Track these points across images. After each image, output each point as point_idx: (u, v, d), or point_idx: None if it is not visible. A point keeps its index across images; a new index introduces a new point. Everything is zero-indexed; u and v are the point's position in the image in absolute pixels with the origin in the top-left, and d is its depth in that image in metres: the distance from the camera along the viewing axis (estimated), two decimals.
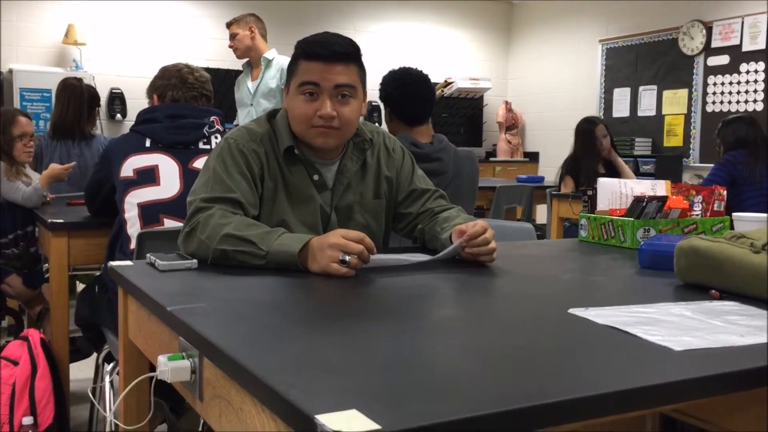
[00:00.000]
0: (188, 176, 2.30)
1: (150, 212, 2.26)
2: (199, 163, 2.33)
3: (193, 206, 1.66)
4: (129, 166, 2.31)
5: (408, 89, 2.64)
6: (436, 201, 1.93)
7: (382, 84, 2.72)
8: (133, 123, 2.47)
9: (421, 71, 2.73)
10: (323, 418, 0.72)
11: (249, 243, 1.55)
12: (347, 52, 1.74)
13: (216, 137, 2.43)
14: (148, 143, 2.35)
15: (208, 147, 2.39)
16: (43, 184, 2.98)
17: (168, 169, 2.32)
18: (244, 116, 4.44)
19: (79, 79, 3.81)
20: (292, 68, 1.77)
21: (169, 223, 2.25)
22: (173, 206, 2.27)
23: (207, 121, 2.43)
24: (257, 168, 1.74)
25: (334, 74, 1.71)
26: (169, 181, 2.31)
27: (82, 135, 3.68)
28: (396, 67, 2.76)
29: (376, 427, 0.71)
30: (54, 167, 3.08)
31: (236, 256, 1.55)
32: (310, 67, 1.71)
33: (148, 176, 2.30)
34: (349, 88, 1.74)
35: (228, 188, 1.68)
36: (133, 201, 2.27)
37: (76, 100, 3.66)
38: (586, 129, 4.71)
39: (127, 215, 2.28)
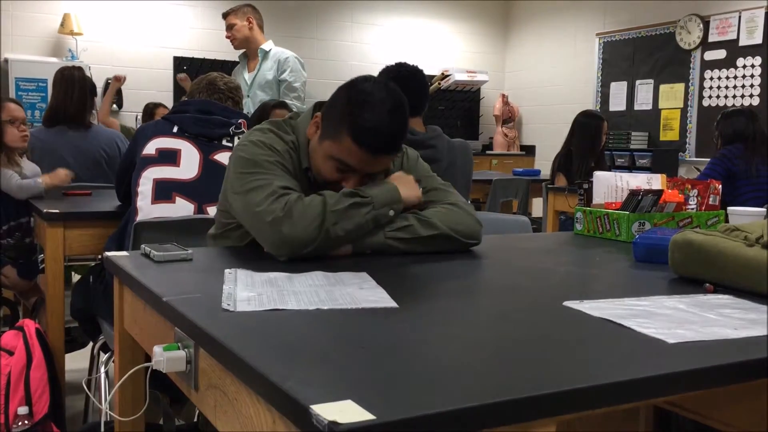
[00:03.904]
0: (208, 166, 2.38)
1: (164, 188, 2.31)
2: (220, 156, 2.41)
3: (270, 189, 1.55)
4: (152, 146, 2.38)
5: (400, 83, 2.66)
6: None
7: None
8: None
9: (416, 66, 2.75)
10: (318, 408, 0.72)
11: (354, 195, 1.55)
12: (399, 147, 1.66)
13: (239, 138, 2.49)
14: (175, 129, 2.43)
15: (230, 145, 2.46)
16: (45, 184, 2.95)
17: (190, 154, 2.38)
18: None
19: (80, 68, 3.76)
20: (335, 126, 1.61)
21: (180, 202, 2.30)
22: (188, 187, 2.33)
23: (234, 121, 2.51)
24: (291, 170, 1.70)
25: (374, 164, 1.64)
26: (189, 166, 2.38)
27: (84, 123, 3.58)
28: (392, 63, 2.78)
29: (371, 417, 0.71)
30: (60, 173, 3.04)
31: (349, 211, 1.53)
32: (354, 152, 1.59)
33: (169, 157, 2.37)
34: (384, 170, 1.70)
35: (290, 184, 1.63)
36: (149, 176, 2.33)
37: (79, 88, 3.58)
38: (590, 124, 4.67)
39: (140, 188, 2.32)
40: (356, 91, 1.63)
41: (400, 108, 1.63)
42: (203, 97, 2.60)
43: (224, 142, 2.45)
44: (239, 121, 2.53)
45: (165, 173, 2.33)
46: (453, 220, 1.69)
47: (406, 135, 1.66)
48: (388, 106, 1.60)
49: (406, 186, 1.65)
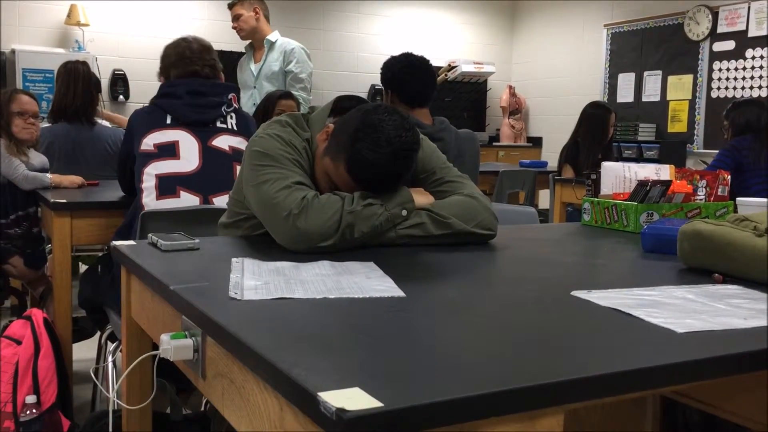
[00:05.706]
0: (207, 153, 2.38)
1: (167, 183, 2.31)
2: (218, 141, 2.41)
3: (286, 182, 1.55)
4: (150, 141, 2.37)
5: (410, 70, 2.70)
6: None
7: (384, 67, 2.75)
8: (155, 95, 2.51)
9: (423, 57, 2.77)
10: (325, 396, 0.72)
11: (367, 197, 1.54)
12: (396, 187, 1.61)
13: (232, 117, 2.48)
14: (169, 120, 2.40)
15: (225, 126, 2.45)
16: (54, 180, 2.94)
17: (188, 145, 2.38)
18: (246, 99, 4.43)
19: (84, 63, 3.70)
20: (337, 147, 1.58)
21: (185, 196, 2.31)
22: (191, 180, 2.33)
23: (225, 99, 2.49)
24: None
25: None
26: (189, 157, 2.37)
27: (89, 120, 3.51)
28: (398, 54, 2.80)
29: (379, 404, 0.71)
30: (73, 179, 3.03)
31: (364, 211, 1.52)
32: (348, 181, 1.57)
33: (169, 150, 2.36)
34: None
35: (306, 181, 1.62)
36: (152, 172, 2.33)
37: (84, 84, 3.53)
38: (597, 115, 4.65)
39: (144, 185, 2.32)
40: (369, 120, 1.55)
41: (407, 151, 1.56)
42: (176, 73, 2.52)
43: (219, 124, 2.44)
44: (230, 96, 2.49)
45: (166, 168, 2.32)
46: (468, 214, 1.68)
47: (407, 175, 1.62)
48: (394, 146, 1.53)
49: (416, 193, 1.65)
